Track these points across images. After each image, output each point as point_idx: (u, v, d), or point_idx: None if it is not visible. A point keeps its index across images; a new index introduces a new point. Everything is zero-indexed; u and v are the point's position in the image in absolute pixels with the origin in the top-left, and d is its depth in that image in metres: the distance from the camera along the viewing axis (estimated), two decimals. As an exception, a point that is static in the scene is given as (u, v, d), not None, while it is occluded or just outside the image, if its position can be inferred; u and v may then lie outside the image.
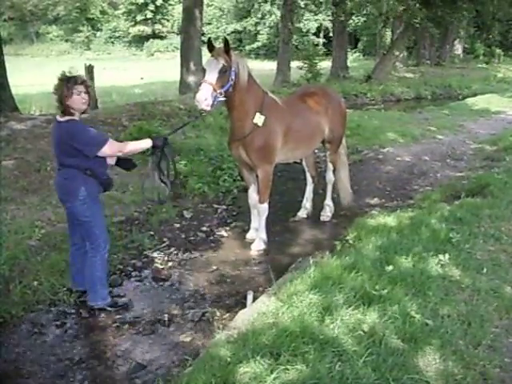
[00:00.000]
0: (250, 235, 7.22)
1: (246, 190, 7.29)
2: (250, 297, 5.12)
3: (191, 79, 17.63)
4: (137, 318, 5.36)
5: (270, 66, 29.82)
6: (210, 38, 6.37)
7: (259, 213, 6.97)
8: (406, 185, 9.73)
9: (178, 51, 20.40)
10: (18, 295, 5.56)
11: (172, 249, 6.81)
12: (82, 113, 5.13)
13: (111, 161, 5.38)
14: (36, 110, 14.34)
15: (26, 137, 9.65)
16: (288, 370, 3.77)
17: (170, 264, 6.48)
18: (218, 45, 6.11)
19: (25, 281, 5.75)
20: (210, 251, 6.85)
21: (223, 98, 6.07)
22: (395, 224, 6.58)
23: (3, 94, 11.65)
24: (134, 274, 6.27)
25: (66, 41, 61.18)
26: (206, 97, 5.76)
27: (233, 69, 5.99)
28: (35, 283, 5.75)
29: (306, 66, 25.07)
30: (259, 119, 6.40)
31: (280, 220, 7.90)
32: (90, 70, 14.62)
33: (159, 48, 58.95)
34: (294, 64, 25.36)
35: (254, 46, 55.06)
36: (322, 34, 53.54)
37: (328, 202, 8.11)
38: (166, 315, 5.35)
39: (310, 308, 4.52)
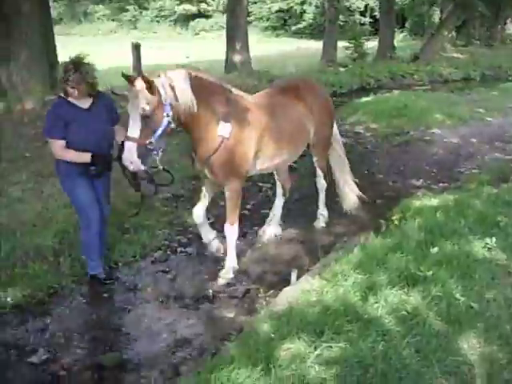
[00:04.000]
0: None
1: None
2: (294, 275, 5.15)
3: (237, 58, 17.71)
4: (181, 293, 5.46)
5: (316, 45, 29.50)
6: (123, 73, 4.80)
7: (227, 237, 5.75)
8: (452, 167, 9.58)
9: (224, 30, 20.44)
10: (67, 268, 5.75)
11: (217, 226, 6.88)
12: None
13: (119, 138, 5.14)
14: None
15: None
16: (331, 347, 3.81)
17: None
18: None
19: (73, 254, 5.91)
20: (254, 229, 6.88)
21: (161, 144, 4.89)
22: (441, 206, 6.49)
23: (54, 73, 11.90)
24: (179, 249, 6.38)
25: (113, 20, 61.64)
26: (130, 159, 4.70)
27: (165, 102, 4.75)
28: (83, 257, 5.91)
29: (352, 45, 24.77)
30: (224, 129, 5.17)
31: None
32: (136, 48, 14.78)
33: (204, 27, 58.78)
34: (341, 44, 25.07)
35: (300, 25, 54.45)
36: (368, 14, 52.65)
37: (322, 211, 7.05)
38: (210, 291, 5.44)
39: (353, 287, 4.55)
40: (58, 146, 5.10)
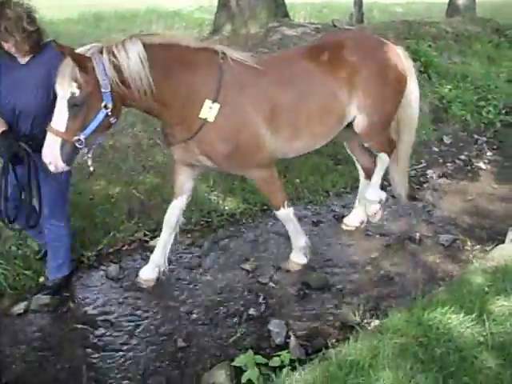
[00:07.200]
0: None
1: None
2: (510, 233, 4.94)
3: (461, 1, 16.75)
4: (387, 230, 5.51)
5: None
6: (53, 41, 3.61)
7: (283, 220, 4.71)
8: None
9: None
10: (281, 187, 6.03)
11: (428, 171, 6.78)
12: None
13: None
14: (300, 19, 14.73)
15: (295, 42, 10.00)
16: (549, 312, 3.66)
17: (425, 185, 6.51)
18: None
19: (288, 176, 6.19)
20: (466, 180, 6.68)
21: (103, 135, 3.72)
22: None
23: (277, 0, 12.15)
24: (389, 188, 6.34)
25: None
26: (50, 158, 3.46)
27: (105, 88, 3.43)
28: (297, 180, 6.15)
29: None
30: (209, 111, 3.86)
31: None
32: (354, -17, 14.64)
33: (424, -34, 56.20)
34: None
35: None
36: None
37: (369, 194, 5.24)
38: (417, 234, 5.40)
39: None
40: None
